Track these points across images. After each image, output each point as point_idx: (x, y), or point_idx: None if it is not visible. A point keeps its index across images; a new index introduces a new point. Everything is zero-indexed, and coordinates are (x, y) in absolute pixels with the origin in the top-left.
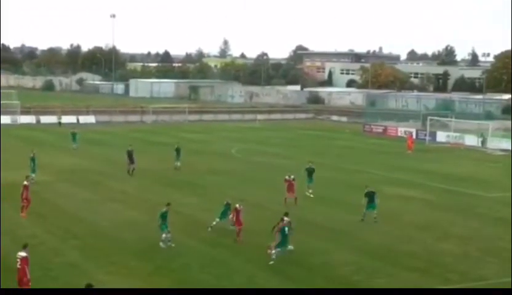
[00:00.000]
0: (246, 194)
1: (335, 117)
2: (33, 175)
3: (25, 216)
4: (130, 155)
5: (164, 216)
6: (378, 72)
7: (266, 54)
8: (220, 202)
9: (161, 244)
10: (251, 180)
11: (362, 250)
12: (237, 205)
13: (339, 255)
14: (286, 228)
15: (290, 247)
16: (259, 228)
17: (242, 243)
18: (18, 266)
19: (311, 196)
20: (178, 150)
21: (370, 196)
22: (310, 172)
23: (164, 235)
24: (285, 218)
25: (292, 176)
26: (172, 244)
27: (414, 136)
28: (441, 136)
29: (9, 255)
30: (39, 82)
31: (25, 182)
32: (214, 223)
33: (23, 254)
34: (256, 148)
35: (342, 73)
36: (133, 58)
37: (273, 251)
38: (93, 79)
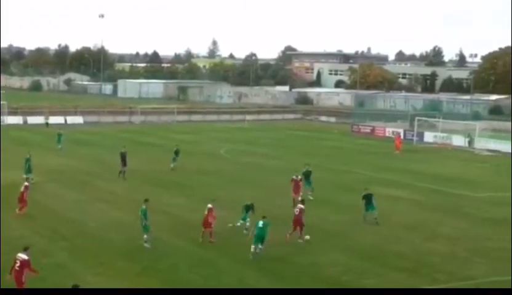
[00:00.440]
0: (234, 194)
1: (323, 118)
2: (30, 176)
3: (18, 216)
4: (123, 157)
5: (145, 213)
6: (367, 73)
7: (254, 54)
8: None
9: (145, 245)
10: (240, 181)
11: (351, 250)
12: (209, 205)
13: (328, 256)
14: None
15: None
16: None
17: (229, 244)
18: (16, 268)
19: (311, 198)
20: (177, 152)
21: (368, 198)
22: (307, 175)
23: (145, 236)
24: (300, 205)
25: (299, 176)
26: (150, 246)
27: (402, 137)
28: (429, 137)
29: None
30: (26, 82)
31: (26, 183)
32: (238, 224)
33: (24, 256)
34: (244, 148)
35: (331, 73)
36: (121, 58)
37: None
38: (81, 79)
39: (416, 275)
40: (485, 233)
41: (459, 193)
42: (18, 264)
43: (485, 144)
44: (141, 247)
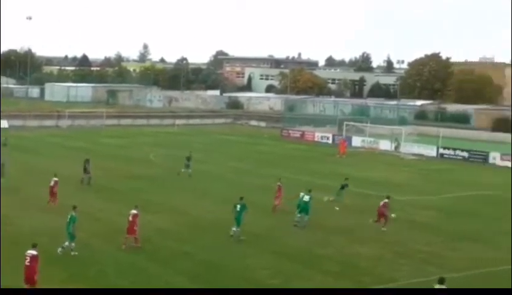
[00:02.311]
0: (164, 199)
1: (253, 122)
2: None
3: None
4: (86, 165)
5: (73, 221)
6: (297, 78)
7: (185, 59)
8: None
9: (72, 253)
10: (169, 186)
11: (281, 254)
12: (134, 211)
13: (259, 259)
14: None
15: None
16: (177, 233)
17: (158, 248)
18: (27, 263)
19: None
20: (189, 158)
21: (305, 203)
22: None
23: (72, 244)
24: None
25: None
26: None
27: (330, 141)
28: (356, 141)
29: None
30: None
31: (55, 178)
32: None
33: (33, 252)
34: (174, 153)
35: (261, 78)
36: (49, 61)
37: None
38: (6, 82)
39: (343, 277)
40: (411, 235)
41: (383, 196)
42: (27, 260)
43: (411, 148)
44: (69, 253)
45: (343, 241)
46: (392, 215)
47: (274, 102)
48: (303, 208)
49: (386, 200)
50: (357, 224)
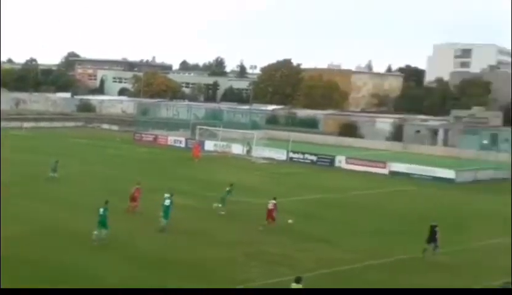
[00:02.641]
0: (10, 205)
1: (105, 125)
2: None
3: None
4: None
5: None
6: (151, 81)
7: (35, 59)
8: None
9: None
10: (20, 192)
11: (133, 259)
12: None
13: (110, 266)
14: None
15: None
16: (24, 238)
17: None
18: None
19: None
20: (56, 162)
21: (166, 207)
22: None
23: None
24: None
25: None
26: None
27: (184, 145)
28: (209, 145)
29: None
30: None
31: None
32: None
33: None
34: (23, 157)
35: (115, 81)
36: None
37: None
38: None
39: (195, 280)
40: (260, 238)
41: (238, 200)
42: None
43: (262, 152)
44: None
45: (196, 244)
46: (289, 221)
47: (127, 106)
48: (165, 212)
49: (274, 201)
50: (209, 227)
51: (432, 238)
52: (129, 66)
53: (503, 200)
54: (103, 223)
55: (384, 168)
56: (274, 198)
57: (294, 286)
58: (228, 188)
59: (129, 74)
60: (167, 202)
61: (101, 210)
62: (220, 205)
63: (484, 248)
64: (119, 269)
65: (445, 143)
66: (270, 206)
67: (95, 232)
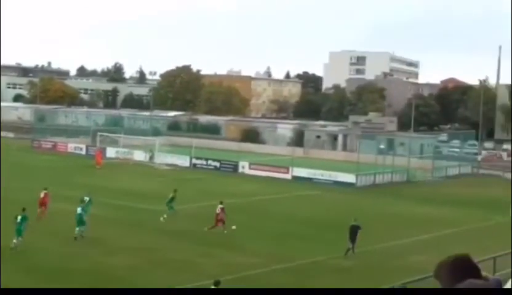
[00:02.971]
0: None
1: (1, 133)
2: None
3: None
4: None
5: None
6: (47, 87)
7: None
8: None
9: None
10: None
11: (30, 270)
12: None
13: (5, 277)
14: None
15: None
16: None
17: None
18: None
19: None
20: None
21: (79, 215)
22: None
23: None
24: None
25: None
26: None
27: (84, 152)
28: (111, 152)
29: None
30: None
31: (220, 206)
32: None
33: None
34: None
35: (9, 87)
36: None
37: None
38: None
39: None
40: (166, 245)
41: (140, 207)
42: None
43: (165, 158)
44: None
45: (97, 253)
46: (233, 227)
47: (23, 112)
48: (78, 220)
49: (222, 206)
50: (111, 235)
51: (353, 237)
52: (23, 71)
53: (401, 202)
54: (18, 231)
55: (287, 173)
56: (221, 202)
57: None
58: (172, 195)
59: (24, 80)
60: (79, 210)
61: (19, 218)
62: (165, 216)
63: (384, 250)
64: (14, 280)
65: (345, 148)
66: (218, 210)
67: (14, 241)
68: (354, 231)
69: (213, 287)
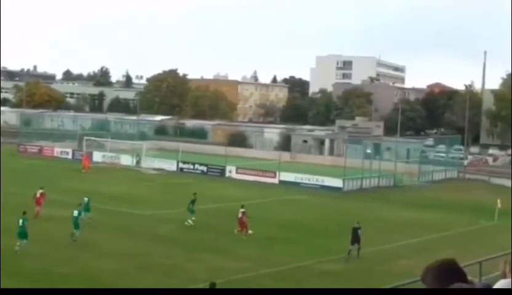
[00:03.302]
0: None
1: None
2: None
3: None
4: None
5: None
6: (33, 91)
7: None
8: None
9: None
10: None
11: (17, 274)
12: None
13: None
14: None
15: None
16: None
17: None
18: None
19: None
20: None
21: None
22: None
23: None
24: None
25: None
26: None
27: (70, 156)
28: (97, 156)
29: None
30: None
31: (242, 210)
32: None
33: None
34: None
35: None
36: None
37: None
38: None
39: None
40: (153, 249)
41: (128, 212)
42: None
43: (152, 163)
44: None
45: (84, 257)
46: (250, 231)
47: (9, 117)
48: (74, 223)
49: (243, 210)
50: (98, 239)
51: (355, 239)
52: (9, 75)
53: (388, 207)
54: (23, 234)
55: (274, 177)
56: (242, 206)
57: None
58: (192, 198)
59: (10, 84)
60: (75, 213)
61: (21, 221)
62: (192, 219)
63: (372, 254)
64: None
65: (332, 152)
66: (239, 214)
67: (18, 243)
68: (356, 233)
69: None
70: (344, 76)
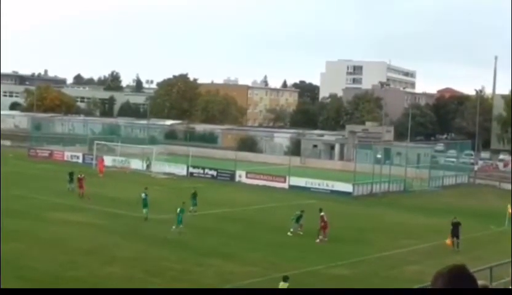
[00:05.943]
0: None
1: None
2: None
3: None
4: None
5: None
6: (44, 96)
7: None
8: None
9: None
10: None
11: (26, 278)
12: None
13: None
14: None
15: None
16: None
17: None
18: None
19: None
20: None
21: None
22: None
23: None
24: None
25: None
26: None
27: (81, 160)
28: (108, 160)
29: None
30: None
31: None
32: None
33: None
34: None
35: (5, 95)
36: None
37: None
38: None
39: None
40: (162, 254)
41: (137, 216)
42: None
43: (162, 167)
44: None
45: (93, 262)
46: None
47: (20, 121)
48: (143, 204)
49: (322, 213)
50: (107, 244)
51: (455, 232)
52: (20, 79)
53: (398, 212)
54: None
55: (284, 182)
56: (321, 210)
57: (282, 285)
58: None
59: (21, 88)
60: (143, 195)
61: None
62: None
63: (381, 260)
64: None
65: (342, 157)
66: (319, 220)
67: None
68: (456, 227)
69: (282, 283)
70: (355, 81)
